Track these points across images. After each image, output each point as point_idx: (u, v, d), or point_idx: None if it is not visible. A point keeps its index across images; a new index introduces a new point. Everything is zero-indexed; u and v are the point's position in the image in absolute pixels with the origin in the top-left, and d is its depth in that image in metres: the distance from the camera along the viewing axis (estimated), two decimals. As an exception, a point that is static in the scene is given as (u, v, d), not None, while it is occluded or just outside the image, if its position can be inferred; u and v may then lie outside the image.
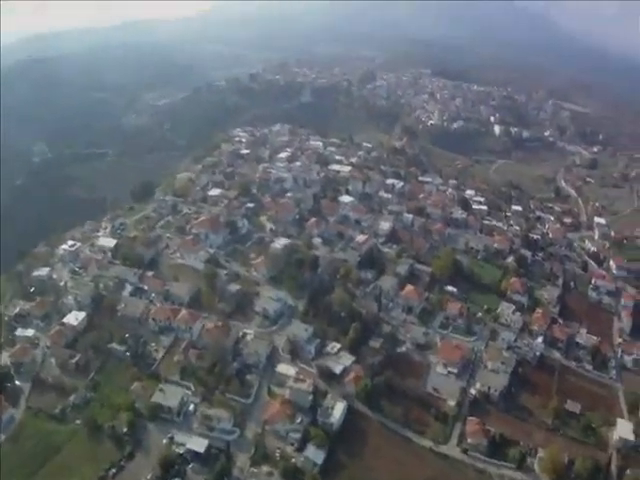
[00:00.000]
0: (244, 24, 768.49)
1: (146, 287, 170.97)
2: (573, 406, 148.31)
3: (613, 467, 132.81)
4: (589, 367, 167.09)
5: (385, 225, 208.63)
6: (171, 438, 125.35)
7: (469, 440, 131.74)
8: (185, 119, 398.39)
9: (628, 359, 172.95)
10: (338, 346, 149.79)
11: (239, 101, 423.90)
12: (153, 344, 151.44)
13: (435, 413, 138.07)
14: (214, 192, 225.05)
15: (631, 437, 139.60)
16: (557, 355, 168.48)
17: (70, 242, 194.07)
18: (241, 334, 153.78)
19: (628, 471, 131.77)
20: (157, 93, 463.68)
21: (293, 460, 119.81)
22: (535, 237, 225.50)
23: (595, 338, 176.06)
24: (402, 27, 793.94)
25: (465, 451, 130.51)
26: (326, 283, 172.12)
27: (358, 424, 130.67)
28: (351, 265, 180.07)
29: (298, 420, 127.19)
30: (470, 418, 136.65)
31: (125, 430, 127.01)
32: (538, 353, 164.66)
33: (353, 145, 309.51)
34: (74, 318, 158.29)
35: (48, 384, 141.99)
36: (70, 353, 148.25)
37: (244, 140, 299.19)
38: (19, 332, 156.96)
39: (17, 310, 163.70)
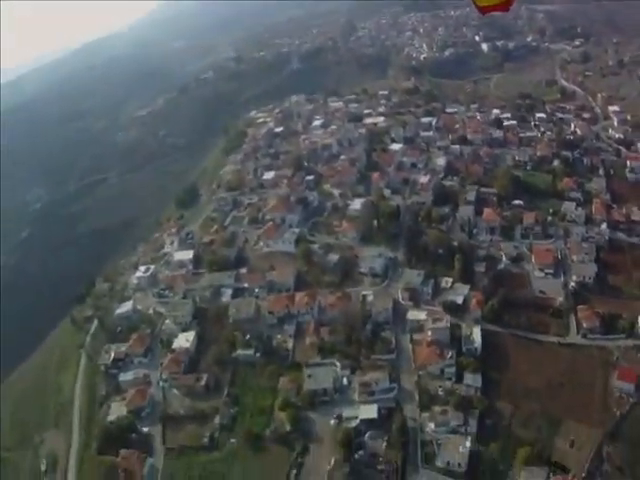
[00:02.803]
0: (198, 14, 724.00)
1: (246, 285, 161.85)
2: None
3: None
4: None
5: (440, 161, 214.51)
6: (339, 417, 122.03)
7: (585, 325, 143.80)
8: (180, 119, 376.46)
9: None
10: (450, 280, 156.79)
11: (232, 86, 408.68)
12: (279, 336, 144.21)
13: (550, 311, 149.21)
14: (268, 175, 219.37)
15: None
16: (621, 235, 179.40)
17: (142, 267, 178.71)
18: (361, 297, 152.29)
19: None
20: (138, 104, 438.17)
21: (457, 391, 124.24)
22: (567, 137, 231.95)
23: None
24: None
25: (585, 335, 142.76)
26: (413, 228, 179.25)
27: (493, 341, 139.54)
28: (428, 205, 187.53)
29: (449, 355, 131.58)
30: (580, 307, 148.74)
31: (289, 428, 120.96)
32: (607, 237, 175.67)
33: (368, 96, 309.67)
34: (184, 340, 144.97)
35: (181, 418, 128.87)
36: (196, 377, 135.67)
37: (269, 119, 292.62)
38: (123, 377, 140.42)
39: (112, 355, 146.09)
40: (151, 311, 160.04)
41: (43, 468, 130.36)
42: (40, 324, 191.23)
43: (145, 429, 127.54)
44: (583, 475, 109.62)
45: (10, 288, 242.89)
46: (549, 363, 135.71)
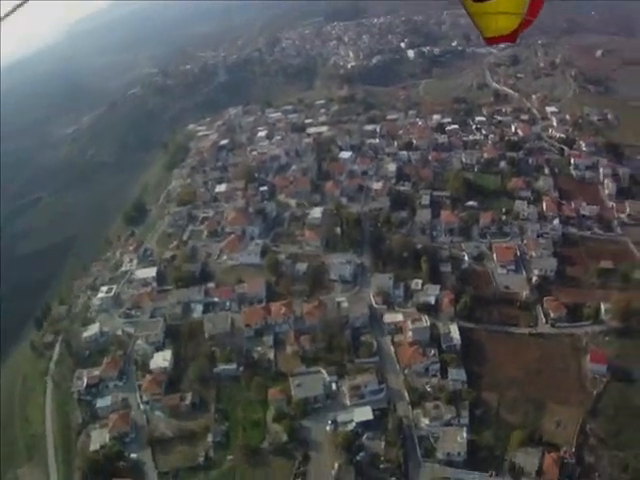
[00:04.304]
0: (114, 29, 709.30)
1: (216, 299, 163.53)
2: (606, 264, 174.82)
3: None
4: (600, 231, 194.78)
5: (391, 167, 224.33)
6: (334, 422, 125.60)
7: (552, 315, 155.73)
8: (110, 136, 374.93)
9: (623, 216, 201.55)
10: (420, 281, 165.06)
11: (161, 101, 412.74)
12: (258, 348, 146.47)
13: (517, 305, 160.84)
14: (220, 188, 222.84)
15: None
16: (573, 230, 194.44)
17: (104, 288, 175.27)
18: (336, 304, 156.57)
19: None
20: (66, 121, 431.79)
21: (446, 386, 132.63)
22: (510, 139, 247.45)
23: (595, 207, 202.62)
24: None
25: (553, 325, 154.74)
26: (375, 233, 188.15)
27: (469, 337, 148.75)
28: (386, 211, 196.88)
29: (431, 354, 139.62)
30: (546, 298, 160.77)
31: (286, 439, 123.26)
32: (560, 233, 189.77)
33: (305, 106, 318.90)
34: (161, 360, 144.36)
35: (170, 439, 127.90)
36: (179, 396, 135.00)
37: (210, 132, 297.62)
38: (100, 403, 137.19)
39: (85, 381, 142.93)
40: (120, 332, 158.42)
41: None
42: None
43: (133, 455, 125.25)
44: (573, 450, 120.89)
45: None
46: (524, 352, 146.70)
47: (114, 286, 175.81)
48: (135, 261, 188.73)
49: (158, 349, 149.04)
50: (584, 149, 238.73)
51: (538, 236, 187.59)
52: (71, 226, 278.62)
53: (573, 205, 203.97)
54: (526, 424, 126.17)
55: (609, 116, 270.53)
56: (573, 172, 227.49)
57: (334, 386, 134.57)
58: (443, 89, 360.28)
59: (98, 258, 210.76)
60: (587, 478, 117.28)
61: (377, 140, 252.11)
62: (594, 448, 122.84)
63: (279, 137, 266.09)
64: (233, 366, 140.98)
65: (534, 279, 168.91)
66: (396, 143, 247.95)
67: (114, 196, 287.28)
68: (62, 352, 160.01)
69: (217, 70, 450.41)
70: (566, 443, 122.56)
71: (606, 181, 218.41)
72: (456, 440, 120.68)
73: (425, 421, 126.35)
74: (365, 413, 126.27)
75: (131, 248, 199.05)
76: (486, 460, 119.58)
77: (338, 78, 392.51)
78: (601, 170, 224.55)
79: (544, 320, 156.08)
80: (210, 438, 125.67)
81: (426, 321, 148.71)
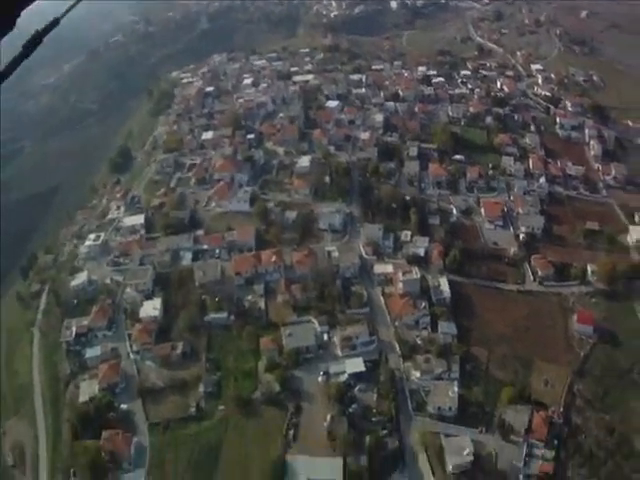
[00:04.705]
0: None
1: (206, 247, 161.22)
2: (592, 225, 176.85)
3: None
4: (585, 192, 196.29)
5: (378, 118, 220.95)
6: (326, 373, 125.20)
7: (540, 273, 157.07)
8: (92, 84, 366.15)
9: (609, 178, 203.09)
10: (409, 233, 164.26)
11: (143, 48, 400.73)
12: (249, 297, 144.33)
13: (505, 261, 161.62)
14: (207, 135, 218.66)
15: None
16: (559, 189, 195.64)
17: (91, 235, 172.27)
18: (326, 254, 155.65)
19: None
20: (45, 72, 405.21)
21: (436, 340, 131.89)
22: (496, 94, 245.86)
23: (581, 168, 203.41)
24: None
25: (541, 283, 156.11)
26: (364, 184, 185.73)
27: (459, 291, 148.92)
28: (374, 161, 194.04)
29: (422, 306, 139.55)
30: (534, 256, 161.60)
31: (278, 389, 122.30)
32: (546, 191, 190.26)
33: (289, 54, 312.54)
34: (151, 308, 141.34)
35: (160, 390, 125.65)
36: (170, 345, 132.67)
37: (195, 79, 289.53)
38: (89, 353, 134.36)
39: (74, 331, 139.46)
40: (108, 281, 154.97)
41: (10, 462, 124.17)
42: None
43: (124, 406, 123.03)
44: (561, 410, 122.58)
45: None
46: (512, 309, 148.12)
47: (102, 234, 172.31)
48: (122, 209, 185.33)
49: (147, 297, 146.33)
50: (570, 109, 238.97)
51: (525, 193, 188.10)
52: (55, 174, 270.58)
53: (559, 164, 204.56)
54: (515, 381, 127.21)
55: (594, 77, 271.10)
56: (559, 131, 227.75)
57: (325, 336, 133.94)
58: (426, 41, 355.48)
59: (84, 206, 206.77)
60: (574, 439, 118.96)
61: (363, 90, 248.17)
62: (581, 409, 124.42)
63: (265, 85, 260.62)
64: (224, 315, 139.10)
65: (521, 236, 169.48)
66: (382, 93, 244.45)
67: (98, 143, 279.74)
68: (49, 302, 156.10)
69: (200, 17, 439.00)
70: (554, 403, 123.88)
71: (592, 142, 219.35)
72: (447, 395, 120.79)
73: (416, 374, 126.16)
74: (357, 364, 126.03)
75: (118, 195, 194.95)
76: (476, 416, 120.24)
77: (321, 27, 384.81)
78: (587, 131, 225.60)
79: (532, 278, 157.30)
80: (201, 388, 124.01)
81: (416, 273, 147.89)
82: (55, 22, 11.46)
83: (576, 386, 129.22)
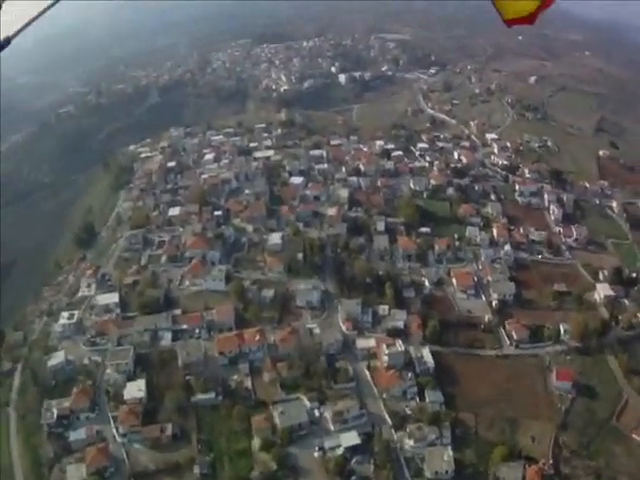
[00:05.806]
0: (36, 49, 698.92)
1: (185, 326, 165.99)
2: (559, 286, 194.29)
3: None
4: (549, 255, 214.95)
5: (343, 193, 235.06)
6: (321, 448, 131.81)
7: (515, 337, 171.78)
8: (43, 155, 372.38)
9: (570, 240, 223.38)
10: (386, 307, 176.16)
11: (95, 120, 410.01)
12: (234, 376, 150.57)
13: (481, 328, 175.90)
14: (174, 212, 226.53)
15: (611, 292, 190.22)
16: (524, 254, 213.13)
17: (65, 314, 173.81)
18: (307, 331, 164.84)
19: (620, 317, 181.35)
20: None
21: (425, 408, 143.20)
22: (455, 166, 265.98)
23: (543, 232, 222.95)
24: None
25: (517, 346, 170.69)
26: (337, 259, 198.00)
27: (440, 360, 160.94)
28: (343, 237, 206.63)
29: (408, 377, 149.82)
30: (508, 321, 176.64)
31: (275, 467, 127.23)
32: (512, 257, 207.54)
33: (245, 129, 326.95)
34: (136, 390, 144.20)
35: (153, 473, 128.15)
36: (160, 427, 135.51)
37: (154, 154, 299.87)
38: (74, 436, 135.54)
39: (55, 413, 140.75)
40: (86, 361, 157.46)
41: None
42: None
43: None
44: (550, 462, 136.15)
45: None
46: (493, 373, 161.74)
47: (75, 312, 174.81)
48: (94, 286, 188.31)
49: (129, 379, 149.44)
50: (528, 176, 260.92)
51: (492, 261, 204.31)
52: (11, 249, 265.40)
53: (522, 230, 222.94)
54: (504, 440, 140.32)
55: (549, 143, 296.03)
56: (518, 198, 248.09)
57: (317, 412, 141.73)
58: (377, 114, 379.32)
59: (49, 282, 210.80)
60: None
61: (325, 165, 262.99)
62: (568, 459, 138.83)
63: (226, 160, 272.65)
64: (211, 395, 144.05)
65: (494, 303, 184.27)
66: (344, 169, 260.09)
67: (55, 218, 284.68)
68: (24, 381, 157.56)
69: (150, 91, 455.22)
70: (543, 456, 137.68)
71: (552, 207, 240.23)
72: (443, 459, 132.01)
73: (410, 442, 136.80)
74: (352, 438, 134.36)
75: (88, 272, 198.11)
76: (472, 476, 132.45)
77: (272, 101, 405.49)
78: (546, 196, 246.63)
79: (508, 342, 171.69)
80: (197, 470, 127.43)
81: (400, 346, 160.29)
82: (6, 41, 10.79)
83: (561, 438, 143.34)
